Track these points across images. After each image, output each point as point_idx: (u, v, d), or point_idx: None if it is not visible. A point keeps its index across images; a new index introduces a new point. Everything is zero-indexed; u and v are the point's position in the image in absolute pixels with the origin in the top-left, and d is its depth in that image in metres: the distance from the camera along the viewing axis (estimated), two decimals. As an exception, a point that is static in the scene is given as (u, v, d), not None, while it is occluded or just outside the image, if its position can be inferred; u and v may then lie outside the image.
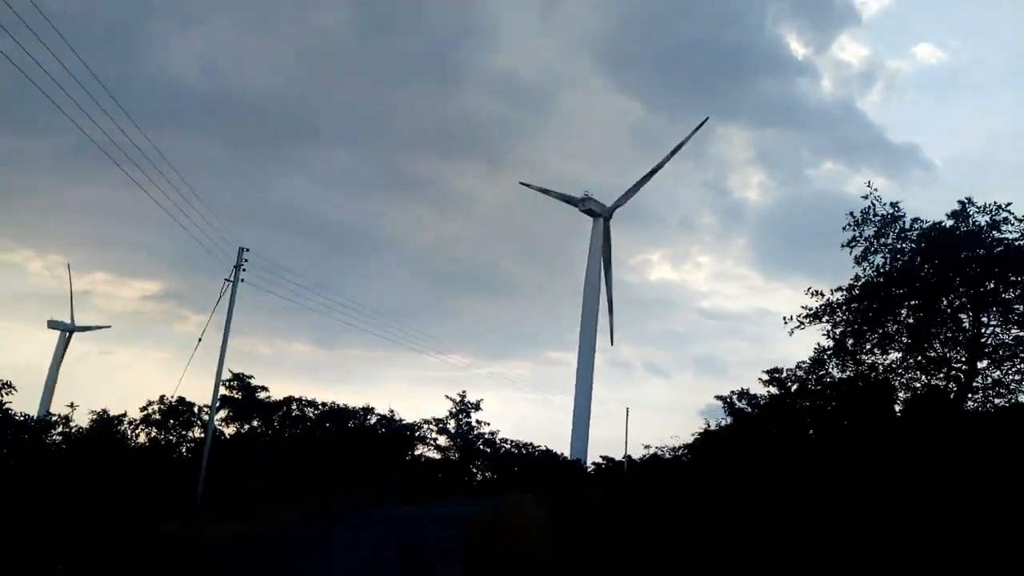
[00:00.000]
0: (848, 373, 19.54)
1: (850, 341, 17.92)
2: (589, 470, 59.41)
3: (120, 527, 13.71)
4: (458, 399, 39.79)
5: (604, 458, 63.95)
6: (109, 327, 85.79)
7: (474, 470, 38.77)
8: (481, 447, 38.89)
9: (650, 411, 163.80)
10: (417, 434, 36.77)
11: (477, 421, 39.56)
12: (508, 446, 41.18)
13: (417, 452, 36.50)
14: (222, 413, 33.45)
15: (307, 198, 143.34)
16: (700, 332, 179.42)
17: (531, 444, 48.57)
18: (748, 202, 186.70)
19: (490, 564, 13.65)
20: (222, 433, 32.07)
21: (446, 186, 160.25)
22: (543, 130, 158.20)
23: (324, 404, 35.52)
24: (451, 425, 38.66)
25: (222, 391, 34.47)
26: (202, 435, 31.28)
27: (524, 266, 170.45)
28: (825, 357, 19.06)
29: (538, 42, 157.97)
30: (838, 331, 19.40)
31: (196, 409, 30.78)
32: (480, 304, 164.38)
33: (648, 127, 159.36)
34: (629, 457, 65.75)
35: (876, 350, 19.80)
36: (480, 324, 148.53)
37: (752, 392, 36.87)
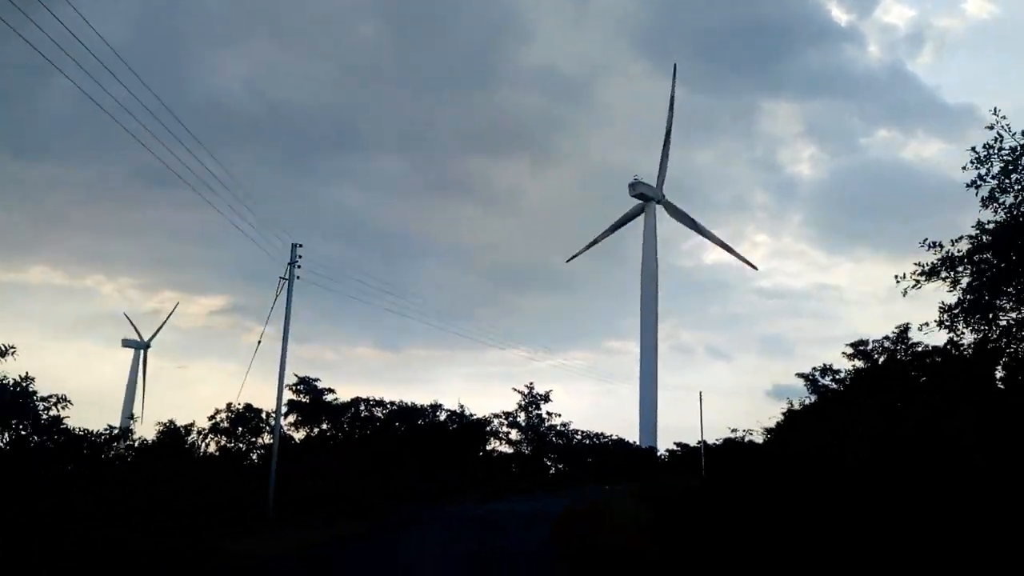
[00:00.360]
0: (979, 335, 16.90)
1: (986, 296, 15.31)
2: (662, 456, 57.39)
3: (179, 536, 12.56)
4: (526, 391, 38.05)
5: (678, 444, 61.91)
6: (163, 327, 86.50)
7: (547, 462, 37.15)
8: (553, 439, 37.33)
9: (715, 395, 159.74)
10: (488, 429, 35.02)
11: (548, 413, 37.92)
12: (579, 437, 39.59)
13: (489, 447, 35.05)
14: (290, 418, 32.65)
15: (357, 205, 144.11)
16: (761, 312, 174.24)
17: (601, 434, 46.79)
18: (801, 177, 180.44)
19: (592, 566, 11.88)
20: (291, 438, 31.17)
21: (492, 185, 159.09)
22: (585, 121, 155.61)
23: (392, 403, 34.16)
24: (521, 418, 36.94)
25: (289, 395, 33.70)
26: (271, 441, 30.62)
27: (578, 259, 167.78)
28: (950, 318, 16.37)
29: (574, 33, 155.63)
30: (964, 285, 16.81)
31: (264, 415, 29.94)
32: (536, 299, 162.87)
33: (692, 108, 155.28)
34: (705, 443, 63.45)
35: (1012, 307, 17.21)
36: (538, 318, 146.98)
37: (835, 367, 34.38)
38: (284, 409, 33.75)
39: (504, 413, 36.55)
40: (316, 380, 33.23)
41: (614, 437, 46.53)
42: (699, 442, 61.62)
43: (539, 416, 37.25)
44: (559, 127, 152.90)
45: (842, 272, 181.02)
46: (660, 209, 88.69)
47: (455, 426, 33.66)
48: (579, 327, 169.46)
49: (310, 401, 33.30)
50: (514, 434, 36.19)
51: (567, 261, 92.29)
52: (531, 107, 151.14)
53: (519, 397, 37.65)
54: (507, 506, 25.46)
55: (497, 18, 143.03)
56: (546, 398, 37.72)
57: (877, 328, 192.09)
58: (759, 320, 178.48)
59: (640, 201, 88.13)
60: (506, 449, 36.06)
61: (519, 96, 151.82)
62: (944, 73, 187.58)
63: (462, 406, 35.02)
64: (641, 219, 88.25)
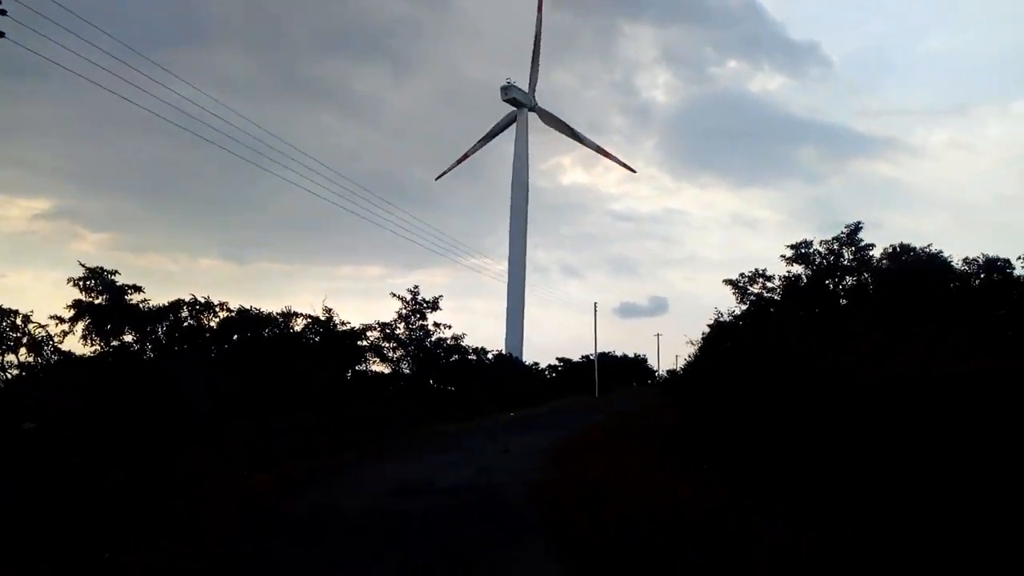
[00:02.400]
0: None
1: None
2: (545, 373, 51.22)
3: None
4: (410, 297, 28.67)
5: (561, 359, 56.14)
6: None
7: (433, 383, 28.75)
8: (442, 356, 29.09)
9: (569, 313, 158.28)
10: (364, 343, 25.18)
11: (435, 324, 29.20)
12: (472, 354, 31.23)
13: (360, 368, 25.42)
14: (79, 325, 21.89)
15: (199, 106, 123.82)
16: (612, 234, 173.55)
17: (482, 348, 38.96)
18: (656, 102, 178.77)
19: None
20: (70, 354, 20.55)
21: (351, 91, 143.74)
22: (450, 32, 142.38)
23: (225, 306, 23.93)
24: (401, 330, 28.35)
25: (76, 295, 22.66)
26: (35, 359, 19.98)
27: (436, 173, 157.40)
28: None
29: None
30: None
31: (20, 319, 18.96)
32: (394, 213, 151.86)
33: (554, 25, 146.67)
34: (587, 357, 57.91)
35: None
36: (395, 234, 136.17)
37: (768, 272, 28.31)
38: (71, 313, 22.82)
39: (379, 324, 27.19)
40: (114, 273, 22.33)
41: (497, 352, 38.77)
42: (584, 357, 56.20)
43: (424, 328, 29.30)
44: (422, 35, 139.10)
45: (688, 197, 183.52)
46: (533, 117, 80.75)
47: (317, 339, 24.61)
48: (438, 243, 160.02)
49: (108, 303, 22.53)
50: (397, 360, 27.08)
51: (436, 179, 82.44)
52: (393, 11, 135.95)
53: (399, 305, 28.55)
54: (429, 472, 14.05)
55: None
56: (434, 305, 29.15)
57: (718, 253, 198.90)
58: (610, 241, 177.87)
59: (512, 108, 79.76)
60: (382, 369, 27.30)
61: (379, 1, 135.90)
62: (791, 7, 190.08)
63: (329, 312, 24.35)
64: (513, 128, 79.98)
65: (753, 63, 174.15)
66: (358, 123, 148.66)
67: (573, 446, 17.89)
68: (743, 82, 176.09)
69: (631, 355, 61.49)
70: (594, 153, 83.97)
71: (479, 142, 76.49)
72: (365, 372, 24.32)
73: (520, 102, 79.81)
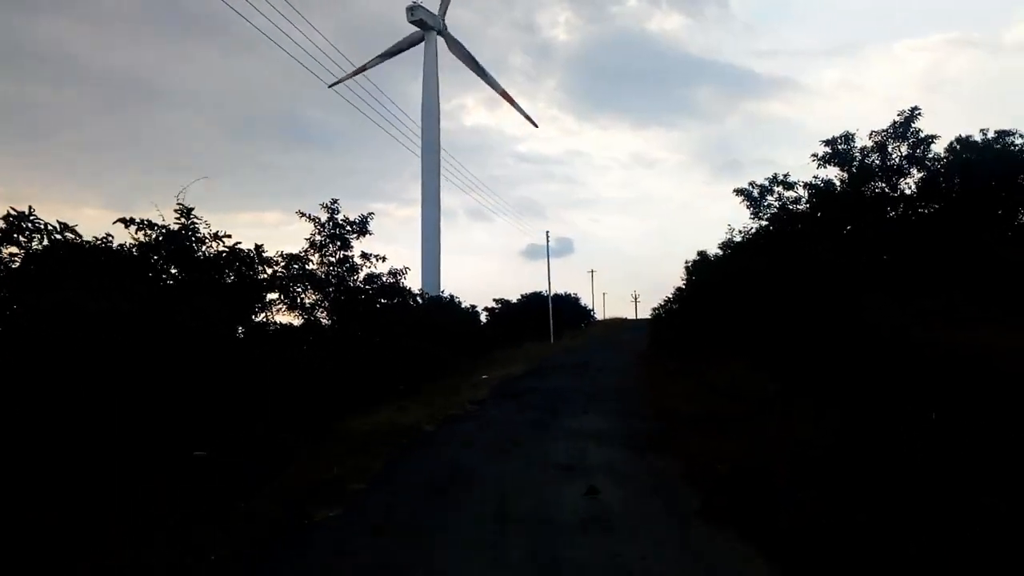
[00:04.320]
0: None
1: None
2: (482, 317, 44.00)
3: None
4: (326, 217, 19.51)
5: (499, 300, 48.90)
6: None
7: (359, 333, 20.49)
8: (373, 298, 20.21)
9: (476, 256, 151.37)
10: (266, 276, 15.17)
11: (364, 256, 20.06)
12: (414, 298, 23.03)
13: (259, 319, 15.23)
14: None
15: (75, 42, 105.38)
16: (517, 176, 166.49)
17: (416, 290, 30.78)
18: (556, 41, 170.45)
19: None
20: None
21: (241, 26, 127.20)
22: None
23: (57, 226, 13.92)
24: (314, 264, 19.01)
25: None
26: None
27: (338, 114, 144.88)
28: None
29: None
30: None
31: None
32: (292, 155, 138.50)
33: None
34: (526, 296, 50.90)
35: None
36: (295, 178, 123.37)
37: (789, 179, 21.92)
38: None
39: (284, 256, 17.63)
40: None
41: (426, 295, 30.82)
42: (523, 296, 49.07)
43: (348, 261, 19.83)
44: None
45: (590, 138, 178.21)
46: (441, 43, 71.19)
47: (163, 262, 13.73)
48: (341, 188, 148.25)
49: None
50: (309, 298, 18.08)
51: (330, 86, 71.29)
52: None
53: (312, 229, 19.40)
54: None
55: None
56: (362, 229, 19.79)
57: (620, 192, 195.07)
58: (515, 183, 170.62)
59: (418, 29, 69.82)
60: (291, 320, 17.52)
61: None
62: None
63: (189, 215, 13.28)
64: (420, 52, 70.12)
65: (652, 2, 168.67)
66: (254, 60, 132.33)
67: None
68: (642, 21, 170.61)
69: (563, 294, 55.14)
70: (497, 95, 75.61)
71: (379, 57, 66.11)
72: (265, 325, 15.86)
73: (428, 24, 69.74)
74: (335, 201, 18.99)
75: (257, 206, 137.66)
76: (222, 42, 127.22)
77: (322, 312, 19.28)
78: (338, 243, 19.31)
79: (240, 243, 13.43)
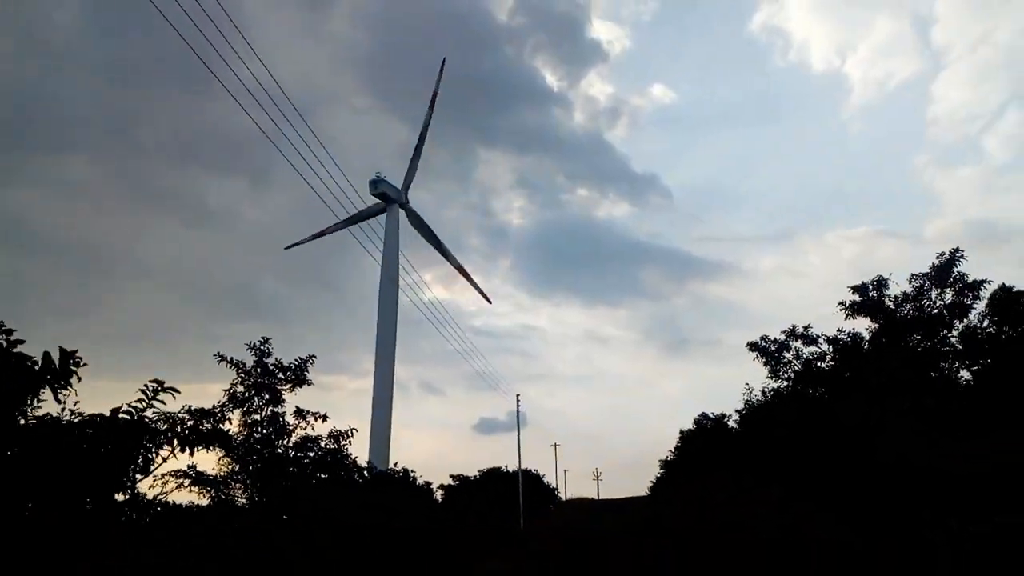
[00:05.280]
0: None
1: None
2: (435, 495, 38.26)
3: None
4: (252, 363, 15.08)
5: (456, 477, 43.19)
6: None
7: (286, 517, 15.06)
8: (306, 468, 16.08)
9: (427, 430, 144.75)
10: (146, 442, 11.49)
11: (299, 412, 15.31)
12: (358, 471, 17.87)
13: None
14: None
15: (36, 213, 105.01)
16: (472, 350, 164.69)
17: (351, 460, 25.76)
18: (511, 224, 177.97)
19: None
20: None
21: (205, 202, 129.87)
22: (308, 147, 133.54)
23: None
24: (233, 425, 14.31)
25: None
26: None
27: (292, 287, 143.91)
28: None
29: (302, 56, 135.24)
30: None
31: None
32: (245, 328, 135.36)
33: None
34: (485, 473, 45.28)
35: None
36: (244, 349, 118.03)
37: (810, 333, 19.20)
38: None
39: (191, 412, 11.00)
40: None
41: (373, 467, 25.80)
42: (481, 472, 43.43)
43: (276, 419, 14.90)
44: (281, 149, 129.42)
45: (543, 314, 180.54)
46: (403, 215, 71.15)
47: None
48: (290, 358, 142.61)
49: None
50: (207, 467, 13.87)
51: (286, 248, 69.26)
52: (252, 124, 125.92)
53: (232, 378, 14.77)
54: None
55: (220, 23, 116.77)
56: (299, 378, 15.25)
57: (573, 368, 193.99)
58: (470, 357, 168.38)
59: (380, 201, 69.90)
60: (193, 500, 12.75)
61: (239, 110, 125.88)
62: (634, 144, 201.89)
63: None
64: (381, 222, 69.66)
65: (600, 191, 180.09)
66: (211, 233, 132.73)
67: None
68: (591, 209, 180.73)
69: (524, 471, 48.87)
70: (451, 270, 75.00)
71: (339, 223, 64.90)
72: (148, 504, 11.01)
73: (391, 197, 70.14)
74: (266, 341, 15.03)
75: (205, 378, 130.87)
76: (182, 215, 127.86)
77: (239, 487, 14.52)
78: (266, 396, 15.04)
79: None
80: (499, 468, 44.95)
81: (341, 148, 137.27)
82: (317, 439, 15.48)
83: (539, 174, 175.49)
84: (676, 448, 43.56)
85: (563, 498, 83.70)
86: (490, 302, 78.99)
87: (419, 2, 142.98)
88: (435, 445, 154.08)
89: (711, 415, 37.41)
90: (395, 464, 30.62)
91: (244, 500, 14.28)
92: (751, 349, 19.53)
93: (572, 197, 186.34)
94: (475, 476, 43.04)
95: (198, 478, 13.63)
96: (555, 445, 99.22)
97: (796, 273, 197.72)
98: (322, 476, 15.33)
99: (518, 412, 49.13)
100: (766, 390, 19.92)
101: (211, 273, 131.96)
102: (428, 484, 30.89)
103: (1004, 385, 13.91)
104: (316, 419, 15.61)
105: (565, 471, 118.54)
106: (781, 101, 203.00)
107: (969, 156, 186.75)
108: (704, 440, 29.65)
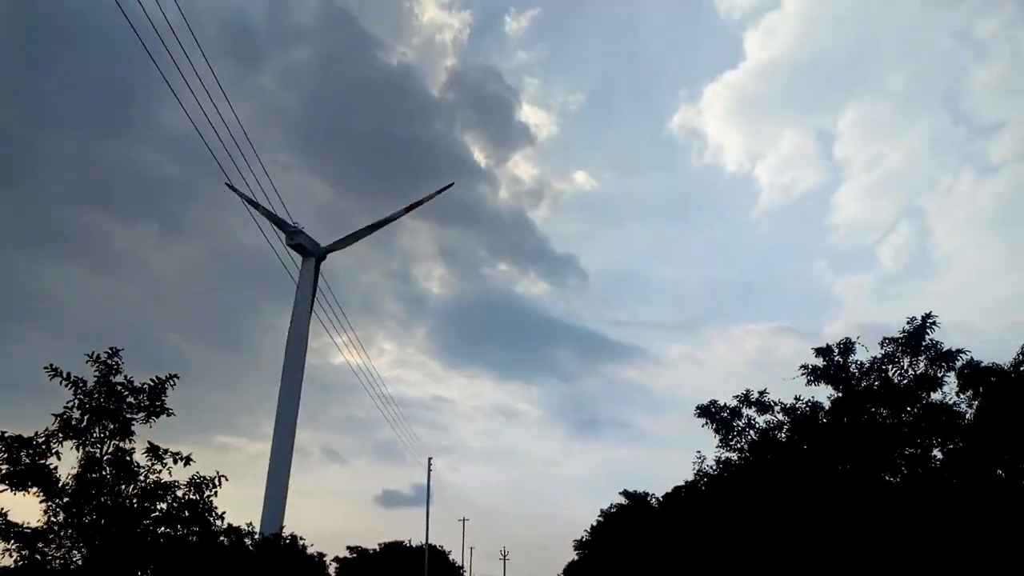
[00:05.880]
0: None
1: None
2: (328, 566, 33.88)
3: None
4: (95, 382, 11.55)
5: (353, 548, 38.58)
6: None
7: None
8: (156, 522, 12.27)
9: (327, 499, 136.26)
10: None
11: (153, 449, 11.58)
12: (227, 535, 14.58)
13: None
14: None
15: None
16: (379, 418, 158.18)
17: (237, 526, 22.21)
18: (430, 293, 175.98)
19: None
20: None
21: (110, 247, 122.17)
22: (226, 199, 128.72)
23: None
24: (55, 462, 10.92)
25: None
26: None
27: (196, 342, 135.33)
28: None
29: (225, 108, 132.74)
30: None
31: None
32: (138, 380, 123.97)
33: (337, 209, 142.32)
34: (384, 546, 40.91)
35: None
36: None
37: (766, 399, 18.04)
38: None
39: (7, 440, 10.04)
40: None
41: (256, 533, 22.28)
42: (382, 545, 39.04)
43: (126, 459, 12.14)
44: (195, 199, 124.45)
45: (456, 386, 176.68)
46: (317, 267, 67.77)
47: None
48: (188, 419, 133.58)
49: None
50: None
51: (225, 183, 64.38)
52: (167, 171, 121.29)
53: (66, 398, 11.28)
54: None
55: (142, 67, 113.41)
56: (154, 405, 11.75)
57: (482, 442, 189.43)
58: (378, 426, 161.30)
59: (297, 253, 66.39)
60: None
61: (154, 156, 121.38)
62: (555, 225, 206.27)
63: None
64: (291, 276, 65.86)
65: (520, 268, 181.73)
66: (113, 280, 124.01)
67: None
68: (511, 284, 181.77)
69: (429, 545, 43.96)
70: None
71: (269, 214, 60.54)
72: None
73: (308, 250, 66.89)
74: (115, 352, 12.13)
75: None
76: (83, 260, 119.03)
77: (64, 542, 11.32)
78: (110, 424, 12.06)
79: None
80: (402, 542, 40.99)
81: (261, 201, 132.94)
82: (173, 484, 12.46)
83: (462, 246, 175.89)
84: (596, 526, 41.59)
85: (469, 577, 78.54)
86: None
87: (354, 68, 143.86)
88: (335, 516, 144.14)
89: (634, 492, 36.12)
90: (283, 531, 26.78)
91: (66, 560, 11.07)
92: (700, 415, 18.23)
93: (493, 271, 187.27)
94: (375, 549, 38.90)
95: (5, 529, 10.46)
96: (463, 520, 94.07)
97: (701, 362, 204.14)
98: (175, 533, 12.23)
99: (429, 475, 45.83)
100: (720, 459, 18.47)
101: (110, 321, 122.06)
102: (321, 555, 27.13)
103: (977, 460, 12.96)
104: (177, 461, 12.67)
105: (471, 548, 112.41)
106: (695, 197, 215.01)
107: (865, 263, 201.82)
108: (630, 514, 28.03)
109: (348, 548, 38.24)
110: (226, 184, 63.23)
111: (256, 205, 64.36)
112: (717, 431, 18.16)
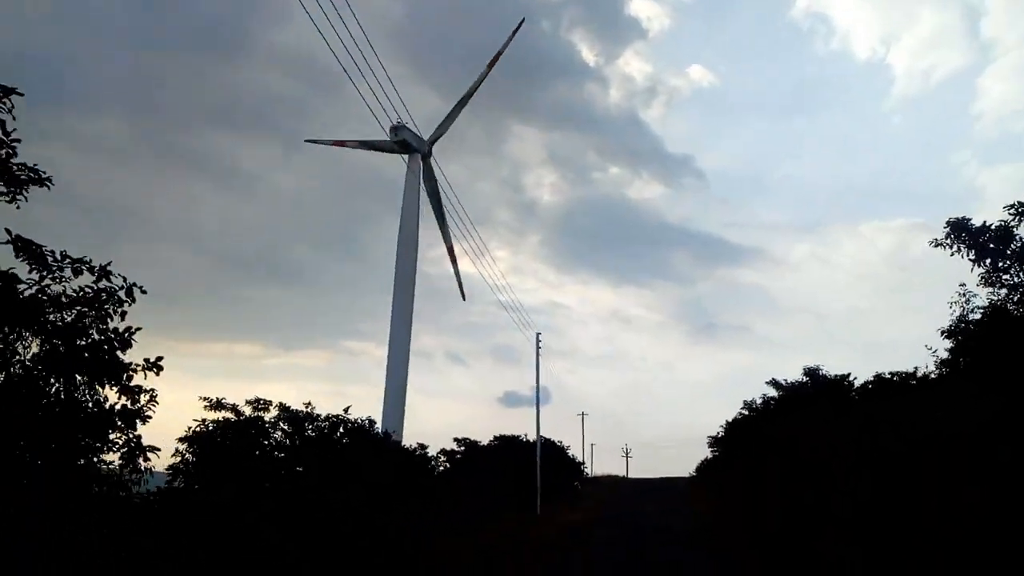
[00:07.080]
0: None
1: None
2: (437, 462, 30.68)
3: None
4: None
5: (461, 440, 35.52)
6: None
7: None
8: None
9: (451, 400, 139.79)
10: None
11: None
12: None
13: None
14: None
15: (66, 169, 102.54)
16: (497, 324, 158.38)
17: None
18: (541, 200, 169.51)
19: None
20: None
21: (233, 165, 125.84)
22: (341, 115, 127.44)
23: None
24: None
25: None
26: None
27: (320, 253, 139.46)
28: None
29: (335, 24, 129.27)
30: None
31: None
32: (271, 291, 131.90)
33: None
34: (498, 439, 37.44)
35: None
36: (271, 313, 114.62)
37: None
38: None
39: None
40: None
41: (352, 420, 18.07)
42: (496, 438, 35.38)
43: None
44: (312, 117, 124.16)
45: (570, 292, 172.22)
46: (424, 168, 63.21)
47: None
48: (316, 325, 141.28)
49: None
50: None
51: (307, 140, 61.74)
52: (284, 90, 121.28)
53: None
54: None
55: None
56: None
57: (597, 346, 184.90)
58: (496, 331, 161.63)
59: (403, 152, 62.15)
60: None
61: (272, 76, 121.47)
62: (669, 125, 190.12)
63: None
64: (402, 175, 61.79)
65: (633, 171, 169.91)
66: (240, 198, 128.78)
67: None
68: (623, 187, 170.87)
69: (544, 439, 38.88)
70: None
71: (359, 143, 57.03)
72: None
73: (412, 147, 62.37)
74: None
75: (231, 336, 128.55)
76: (214, 179, 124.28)
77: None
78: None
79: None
80: (517, 436, 36.89)
81: (370, 115, 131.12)
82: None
83: (571, 151, 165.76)
84: (734, 420, 35.68)
85: (590, 474, 74.84)
86: (464, 299, 69.71)
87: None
88: (460, 415, 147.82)
89: (785, 380, 29.68)
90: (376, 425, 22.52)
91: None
92: (949, 232, 12.31)
93: (604, 175, 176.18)
94: (488, 443, 35.10)
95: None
96: (583, 414, 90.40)
97: (827, 262, 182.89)
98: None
99: (537, 352, 41.23)
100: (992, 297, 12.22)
101: (240, 237, 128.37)
102: (423, 447, 22.94)
103: None
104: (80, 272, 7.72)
105: (592, 444, 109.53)
106: (820, 89, 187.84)
107: (1014, 152, 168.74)
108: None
109: (455, 440, 34.76)
110: (306, 141, 58.97)
111: (343, 143, 59.91)
112: (975, 260, 11.93)
